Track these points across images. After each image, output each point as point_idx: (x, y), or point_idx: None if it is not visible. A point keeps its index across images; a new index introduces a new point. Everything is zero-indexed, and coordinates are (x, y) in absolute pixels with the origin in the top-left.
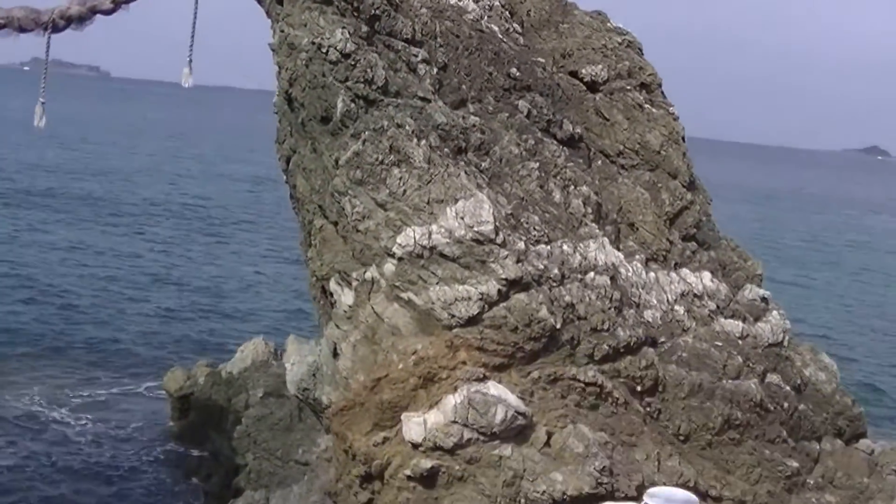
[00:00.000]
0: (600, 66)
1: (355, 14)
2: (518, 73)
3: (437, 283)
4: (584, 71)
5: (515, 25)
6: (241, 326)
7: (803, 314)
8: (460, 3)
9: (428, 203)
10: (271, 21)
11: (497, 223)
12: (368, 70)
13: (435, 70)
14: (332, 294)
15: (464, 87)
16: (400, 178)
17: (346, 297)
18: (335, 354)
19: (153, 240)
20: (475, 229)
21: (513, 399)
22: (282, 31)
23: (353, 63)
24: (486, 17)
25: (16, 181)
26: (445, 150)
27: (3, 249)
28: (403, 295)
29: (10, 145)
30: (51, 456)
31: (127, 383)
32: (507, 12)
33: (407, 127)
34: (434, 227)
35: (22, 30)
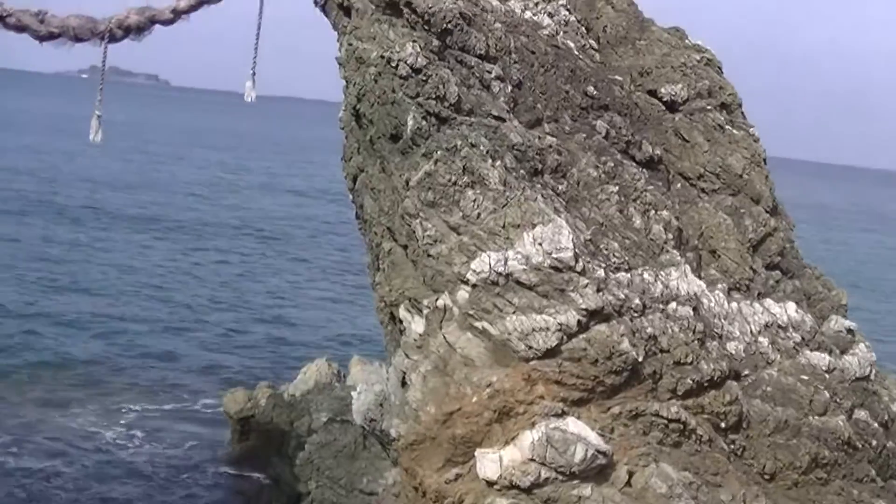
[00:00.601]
0: (679, 86)
1: (426, 28)
2: (595, 92)
3: (513, 313)
4: (662, 90)
5: (591, 42)
6: (304, 346)
7: (875, 341)
8: (535, 18)
9: (504, 227)
10: (338, 34)
11: (576, 249)
12: (440, 86)
13: (509, 87)
14: (401, 321)
15: (539, 105)
16: (474, 201)
17: (416, 325)
18: (404, 384)
19: (212, 255)
20: (553, 256)
21: (593, 437)
22: (350, 45)
23: (424, 78)
24: (561, 33)
25: (72, 194)
26: (521, 171)
27: (60, 264)
28: (478, 324)
29: (67, 156)
30: (103, 476)
31: (185, 404)
32: (583, 28)
33: (481, 147)
34: (510, 253)
35: (77, 39)
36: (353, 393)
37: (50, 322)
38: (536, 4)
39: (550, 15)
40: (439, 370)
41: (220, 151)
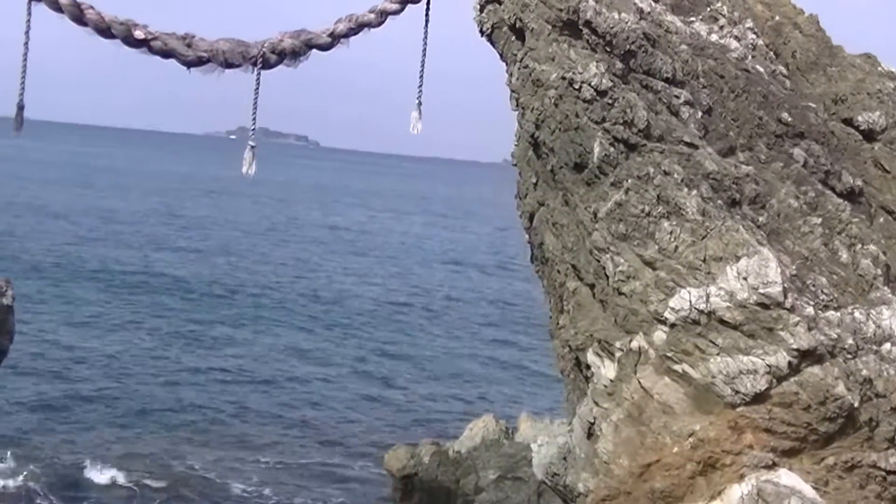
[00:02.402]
0: (877, 113)
1: (607, 49)
2: (790, 119)
3: (717, 354)
4: (859, 118)
5: (781, 67)
6: (469, 402)
7: None
8: (722, 41)
9: (704, 261)
10: (507, 64)
11: (785, 284)
12: (628, 110)
13: (699, 113)
14: (588, 367)
15: (731, 132)
16: (670, 233)
17: (606, 370)
18: (590, 435)
19: (376, 309)
20: (760, 291)
21: (808, 490)
22: (525, 67)
23: (609, 102)
24: (750, 57)
25: (233, 277)
26: (718, 201)
27: (232, 343)
28: (677, 367)
29: (223, 227)
30: None
31: (346, 459)
32: (771, 53)
33: (675, 175)
34: (712, 289)
35: (228, 65)
36: (533, 445)
37: (207, 377)
38: (722, 28)
39: (738, 38)
40: (634, 418)
41: (381, 212)
